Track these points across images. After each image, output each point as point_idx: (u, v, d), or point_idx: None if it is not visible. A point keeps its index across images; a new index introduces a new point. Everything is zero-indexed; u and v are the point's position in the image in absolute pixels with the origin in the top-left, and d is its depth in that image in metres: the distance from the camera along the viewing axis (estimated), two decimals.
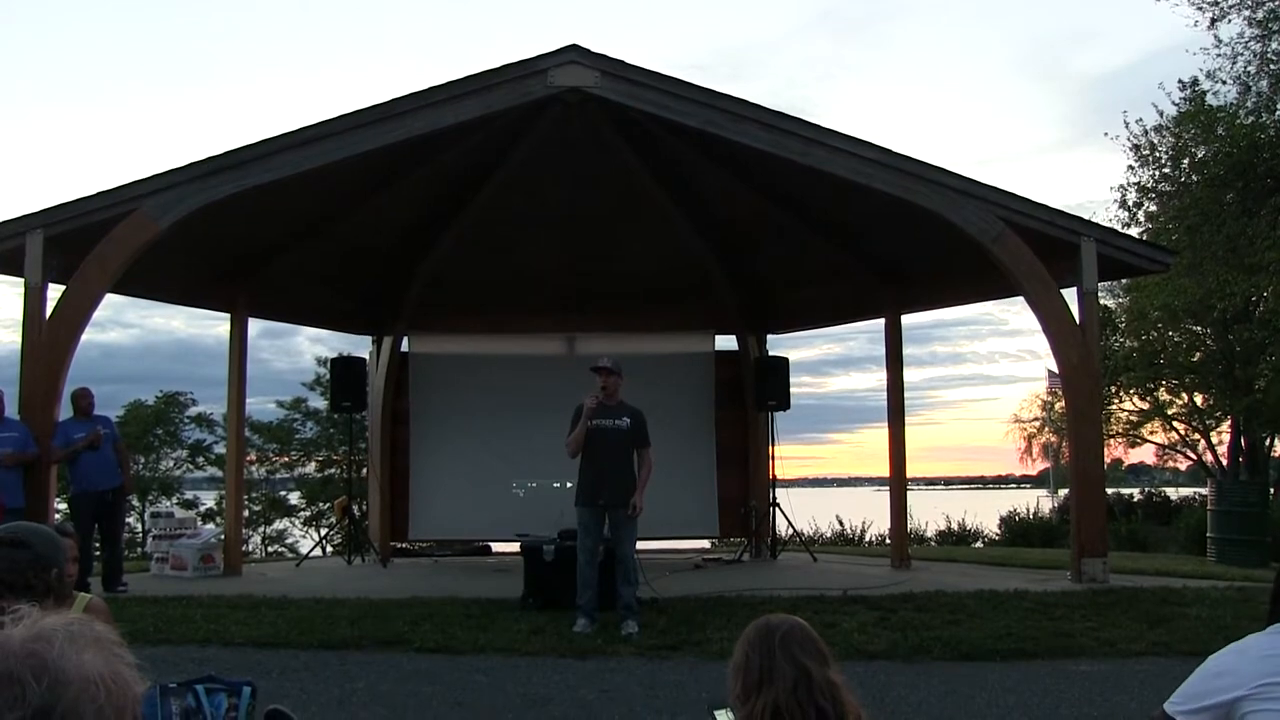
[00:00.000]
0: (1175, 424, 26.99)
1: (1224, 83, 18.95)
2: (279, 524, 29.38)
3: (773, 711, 2.49)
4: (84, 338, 10.29)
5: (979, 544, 22.70)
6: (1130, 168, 21.11)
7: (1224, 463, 24.88)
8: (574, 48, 10.29)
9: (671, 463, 11.65)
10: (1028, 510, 24.62)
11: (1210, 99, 19.38)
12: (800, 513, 15.55)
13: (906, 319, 13.52)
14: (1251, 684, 2.50)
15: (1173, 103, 20.18)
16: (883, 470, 13.73)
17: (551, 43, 13.63)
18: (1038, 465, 34.58)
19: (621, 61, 10.40)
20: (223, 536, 12.92)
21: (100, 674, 1.21)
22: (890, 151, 10.67)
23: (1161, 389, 25.27)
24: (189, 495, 28.86)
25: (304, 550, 19.48)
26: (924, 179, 10.66)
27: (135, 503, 26.00)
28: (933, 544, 21.89)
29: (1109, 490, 17.30)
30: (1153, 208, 21.10)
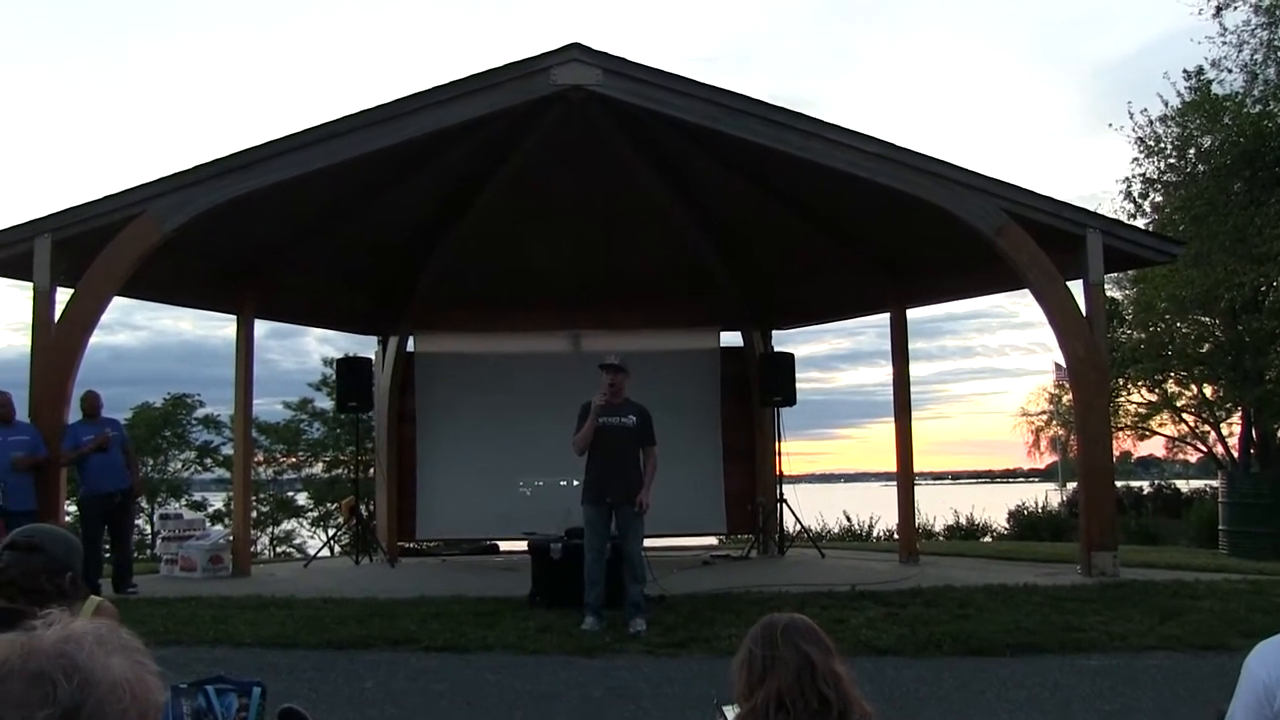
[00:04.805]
0: (1185, 416, 26.90)
1: (1230, 71, 18.91)
2: (287, 525, 29.37)
3: (776, 701, 2.49)
4: (92, 340, 10.33)
5: (987, 538, 22.69)
6: (1135, 159, 21.05)
7: (1235, 454, 24.80)
8: (576, 46, 10.29)
9: (678, 460, 11.65)
10: (1036, 504, 24.59)
11: (1216, 88, 19.32)
12: (807, 508, 15.56)
13: (917, 312, 13.57)
14: None
15: (1178, 92, 20.13)
16: (890, 465, 13.71)
17: (557, 37, 13.65)
18: (1046, 459, 34.44)
19: (623, 59, 10.40)
20: (231, 537, 12.93)
21: (126, 678, 1.25)
22: (891, 144, 10.66)
23: (1170, 381, 25.20)
24: (197, 497, 28.88)
25: (312, 551, 19.51)
26: (925, 172, 10.64)
27: (144, 505, 26.04)
28: (941, 539, 21.88)
29: (1118, 483, 17.23)
30: (1159, 198, 21.04)
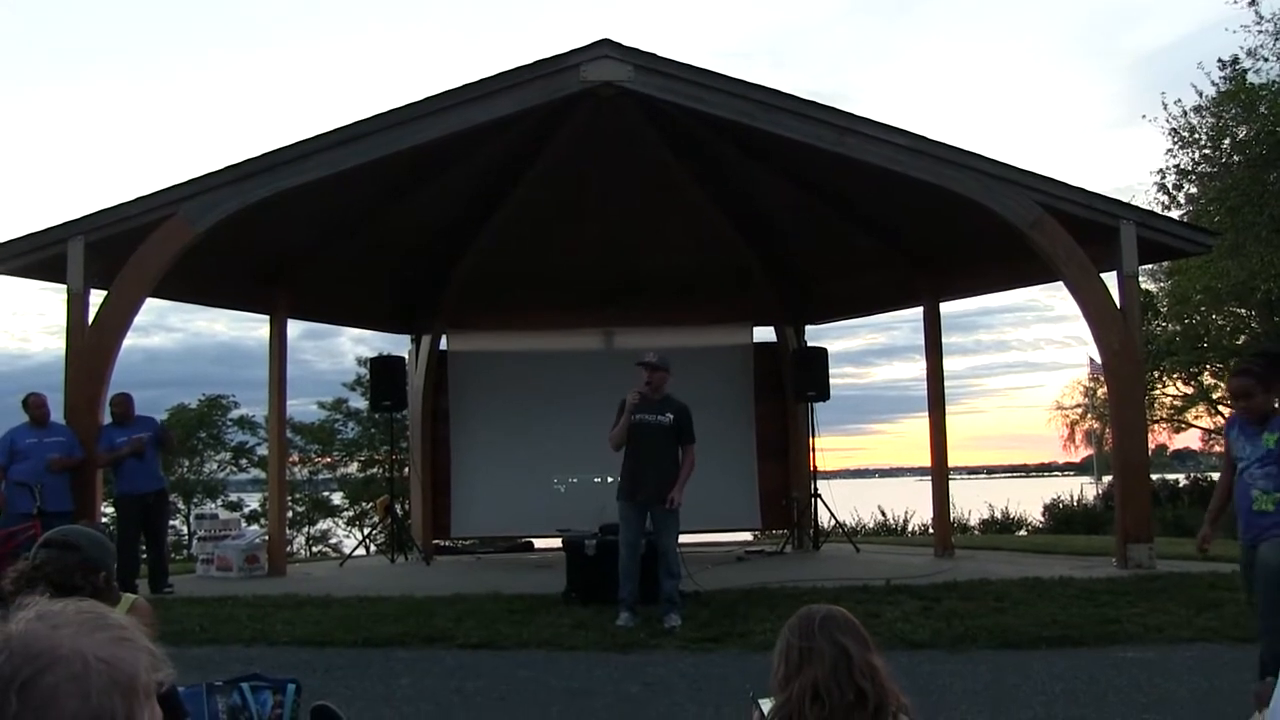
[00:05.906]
0: (1220, 408, 26.65)
1: (1266, 60, 18.67)
2: (322, 524, 29.58)
3: (812, 693, 2.48)
4: (127, 342, 10.43)
5: (1022, 532, 22.53)
6: (1169, 151, 20.84)
7: None
8: (606, 42, 10.28)
9: (711, 456, 11.62)
10: (1071, 498, 24.39)
11: (1252, 77, 19.08)
12: (842, 504, 15.50)
13: (951, 307, 13.47)
14: None
15: (1212, 82, 19.88)
16: (925, 460, 13.64)
17: (590, 34, 13.59)
18: (1081, 452, 34.24)
19: (654, 55, 10.37)
20: (266, 537, 13.02)
21: (82, 651, 1.23)
22: (924, 138, 10.60)
23: (1205, 373, 24.98)
24: (233, 497, 29.15)
25: (347, 550, 19.61)
26: (959, 165, 10.58)
27: (180, 505, 26.31)
28: (976, 533, 21.74)
29: (1154, 476, 17.08)
30: (1193, 190, 20.82)
